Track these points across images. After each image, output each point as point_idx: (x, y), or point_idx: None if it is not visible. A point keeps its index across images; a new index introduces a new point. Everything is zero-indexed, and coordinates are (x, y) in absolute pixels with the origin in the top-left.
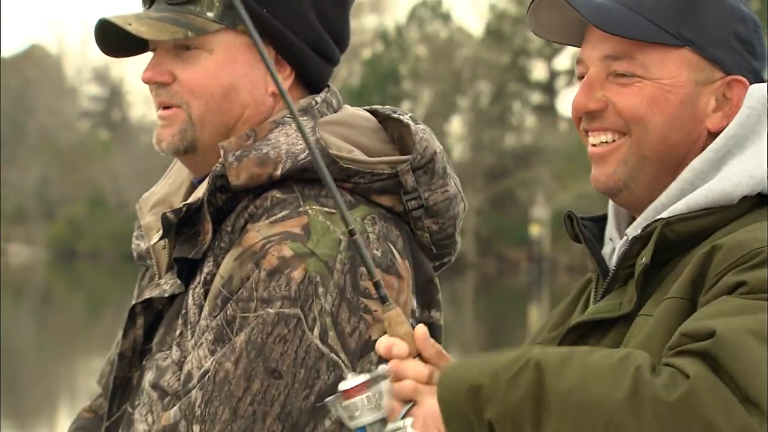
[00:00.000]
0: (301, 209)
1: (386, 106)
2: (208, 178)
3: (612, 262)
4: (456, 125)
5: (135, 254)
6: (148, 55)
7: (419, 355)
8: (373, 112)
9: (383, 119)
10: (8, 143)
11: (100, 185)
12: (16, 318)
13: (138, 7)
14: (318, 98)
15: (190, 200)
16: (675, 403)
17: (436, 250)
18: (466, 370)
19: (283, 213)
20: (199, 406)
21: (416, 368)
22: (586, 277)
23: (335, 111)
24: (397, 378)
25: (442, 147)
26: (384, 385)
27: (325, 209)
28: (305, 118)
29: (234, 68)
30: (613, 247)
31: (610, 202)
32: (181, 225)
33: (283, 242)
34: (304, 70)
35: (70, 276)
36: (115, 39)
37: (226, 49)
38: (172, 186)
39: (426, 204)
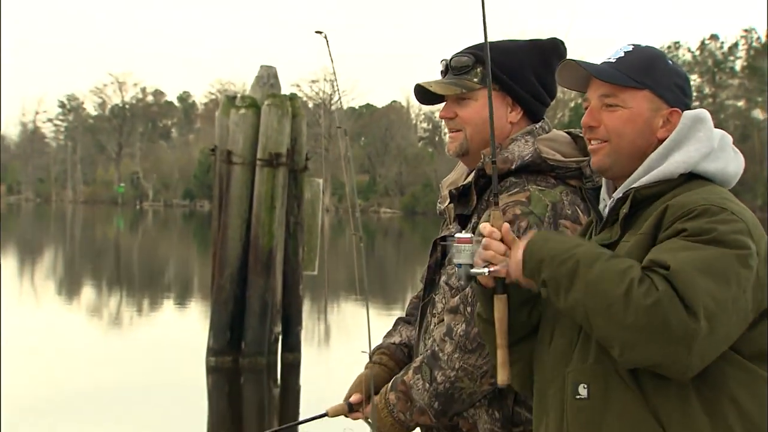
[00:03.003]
0: (526, 188)
1: (577, 129)
2: (474, 170)
3: (604, 213)
4: None
5: (438, 212)
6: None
7: (503, 239)
8: (569, 133)
9: (574, 137)
10: (379, 154)
11: (428, 175)
12: (384, 245)
13: (437, 76)
14: (537, 125)
15: (464, 182)
16: (649, 305)
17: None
18: (540, 248)
19: (516, 190)
20: (469, 296)
21: (498, 246)
22: (588, 221)
23: (547, 132)
24: (485, 248)
25: None
26: (477, 247)
27: (539, 188)
28: (529, 136)
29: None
30: (605, 204)
31: (603, 178)
32: (460, 196)
33: (515, 206)
34: (528, 109)
35: (412, 224)
36: (425, 95)
37: (484, 99)
38: (457, 174)
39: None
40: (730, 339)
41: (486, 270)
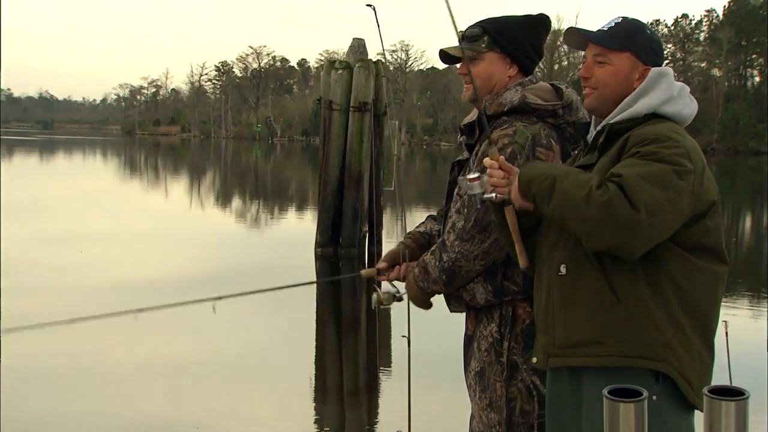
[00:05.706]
0: (513, 124)
1: (559, 82)
2: (480, 110)
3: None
4: None
5: (458, 143)
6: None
7: (501, 167)
8: (552, 84)
9: (556, 87)
10: (440, 103)
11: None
12: (443, 169)
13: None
14: (527, 79)
15: (472, 120)
16: (603, 202)
17: (573, 142)
18: (528, 172)
19: (506, 126)
20: (465, 201)
21: (498, 173)
22: (579, 147)
23: (534, 83)
24: (490, 176)
25: (579, 97)
26: (485, 178)
27: (523, 124)
28: (519, 86)
29: (492, 67)
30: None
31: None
32: (469, 129)
33: (504, 137)
34: (522, 67)
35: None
36: (447, 57)
37: (489, 59)
38: (471, 115)
39: (568, 121)
40: (668, 230)
41: (493, 194)
